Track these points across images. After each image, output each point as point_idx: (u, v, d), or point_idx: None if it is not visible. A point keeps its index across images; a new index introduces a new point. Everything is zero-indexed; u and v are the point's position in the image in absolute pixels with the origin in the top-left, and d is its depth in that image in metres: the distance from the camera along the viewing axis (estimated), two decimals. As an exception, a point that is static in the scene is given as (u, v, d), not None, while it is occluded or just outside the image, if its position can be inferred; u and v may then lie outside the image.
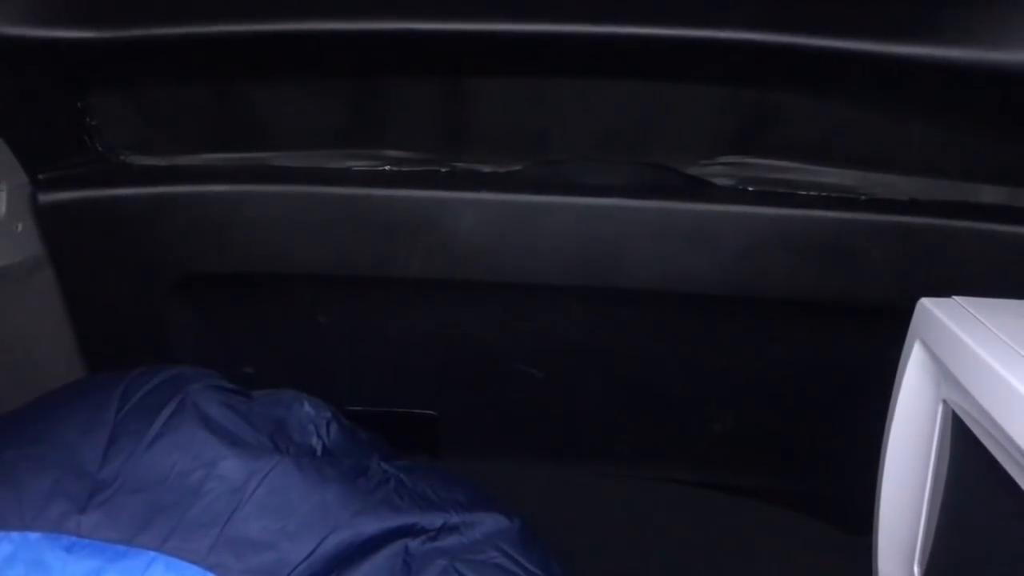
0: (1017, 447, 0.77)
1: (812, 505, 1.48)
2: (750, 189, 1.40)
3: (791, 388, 1.51)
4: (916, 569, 1.06)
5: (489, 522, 1.10)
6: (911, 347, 1.01)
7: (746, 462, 1.59)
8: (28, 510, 0.99)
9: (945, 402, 0.98)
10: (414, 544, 1.05)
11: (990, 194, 1.34)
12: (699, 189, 1.40)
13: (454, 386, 1.59)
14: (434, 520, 1.08)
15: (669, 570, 1.34)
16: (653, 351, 1.52)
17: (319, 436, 1.18)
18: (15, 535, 0.97)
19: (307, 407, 1.21)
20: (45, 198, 1.38)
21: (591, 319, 1.51)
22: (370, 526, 1.04)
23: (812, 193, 1.38)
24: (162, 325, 1.53)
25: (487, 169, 1.44)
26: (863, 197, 1.37)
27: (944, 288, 1.01)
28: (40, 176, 1.39)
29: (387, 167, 1.46)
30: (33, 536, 0.97)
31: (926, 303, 0.99)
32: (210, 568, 0.98)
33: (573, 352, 1.53)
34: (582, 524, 1.39)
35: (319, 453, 1.17)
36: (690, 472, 1.58)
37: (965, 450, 0.94)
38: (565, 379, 1.56)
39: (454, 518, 1.09)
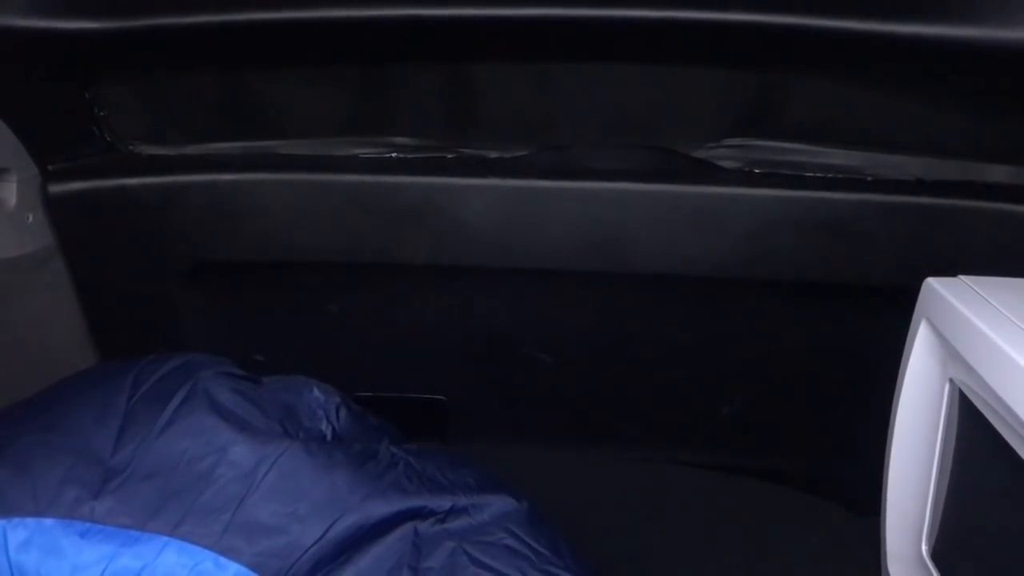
0: (1023, 424, 0.78)
1: (820, 485, 1.48)
2: (756, 171, 1.39)
3: (798, 369, 1.51)
4: (924, 547, 1.06)
5: (498, 504, 1.10)
6: (918, 326, 1.01)
7: (754, 443, 1.59)
8: (42, 496, 1.00)
9: (952, 381, 0.98)
10: (423, 526, 1.06)
11: (996, 173, 1.34)
12: (705, 172, 1.40)
13: (463, 371, 1.59)
14: (443, 503, 1.08)
15: (677, 551, 1.35)
16: (661, 334, 1.53)
17: (328, 421, 1.19)
18: (30, 521, 0.98)
19: (316, 392, 1.21)
20: (55, 189, 1.39)
21: (599, 303, 1.51)
22: (379, 509, 1.04)
23: (818, 174, 1.37)
24: (173, 314, 1.54)
25: (494, 155, 1.44)
26: (869, 178, 1.37)
27: (950, 268, 1.01)
28: (50, 167, 1.39)
29: (394, 154, 1.46)
30: (48, 522, 0.99)
31: (932, 283, 1.00)
32: (222, 552, 0.99)
33: (581, 336, 1.54)
34: (590, 506, 1.39)
35: (328, 438, 1.17)
36: (698, 454, 1.59)
37: (972, 428, 0.94)
38: (573, 363, 1.56)
39: (463, 500, 1.09)
